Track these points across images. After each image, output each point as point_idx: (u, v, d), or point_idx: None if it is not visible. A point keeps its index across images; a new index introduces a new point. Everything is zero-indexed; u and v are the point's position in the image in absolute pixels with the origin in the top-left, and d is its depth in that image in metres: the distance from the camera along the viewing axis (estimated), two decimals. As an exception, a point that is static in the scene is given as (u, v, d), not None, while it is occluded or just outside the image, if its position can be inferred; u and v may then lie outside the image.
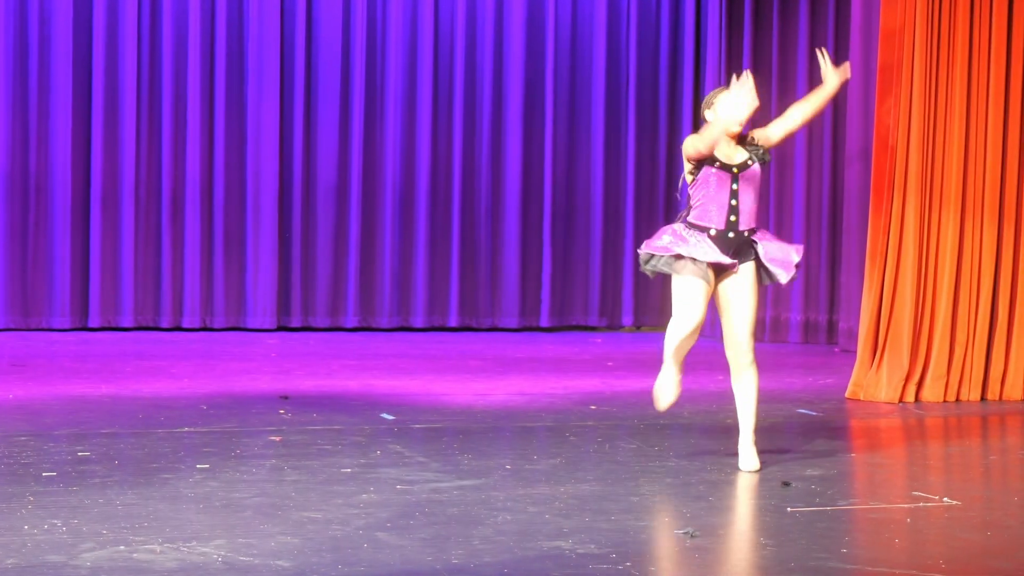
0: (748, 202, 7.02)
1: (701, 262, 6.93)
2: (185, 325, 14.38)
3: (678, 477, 6.87)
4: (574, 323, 15.37)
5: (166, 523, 5.70)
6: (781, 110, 14.35)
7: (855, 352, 10.26)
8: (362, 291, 14.80)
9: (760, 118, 14.54)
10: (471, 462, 7.20)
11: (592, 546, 5.42)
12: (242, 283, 14.56)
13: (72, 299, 14.17)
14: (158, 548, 5.31)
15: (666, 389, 7.12)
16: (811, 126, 14.00)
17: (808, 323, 14.22)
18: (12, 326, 13.99)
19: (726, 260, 6.94)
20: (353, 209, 14.77)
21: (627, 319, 15.44)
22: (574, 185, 15.36)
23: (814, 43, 14.00)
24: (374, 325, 14.81)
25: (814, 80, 13.95)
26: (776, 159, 14.34)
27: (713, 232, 6.97)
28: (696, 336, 7.10)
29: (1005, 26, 9.99)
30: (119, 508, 5.96)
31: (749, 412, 7.17)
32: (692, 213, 7.04)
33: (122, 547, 5.32)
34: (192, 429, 8.13)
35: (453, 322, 14.96)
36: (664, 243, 7.01)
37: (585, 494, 6.41)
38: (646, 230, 15.42)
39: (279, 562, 5.14)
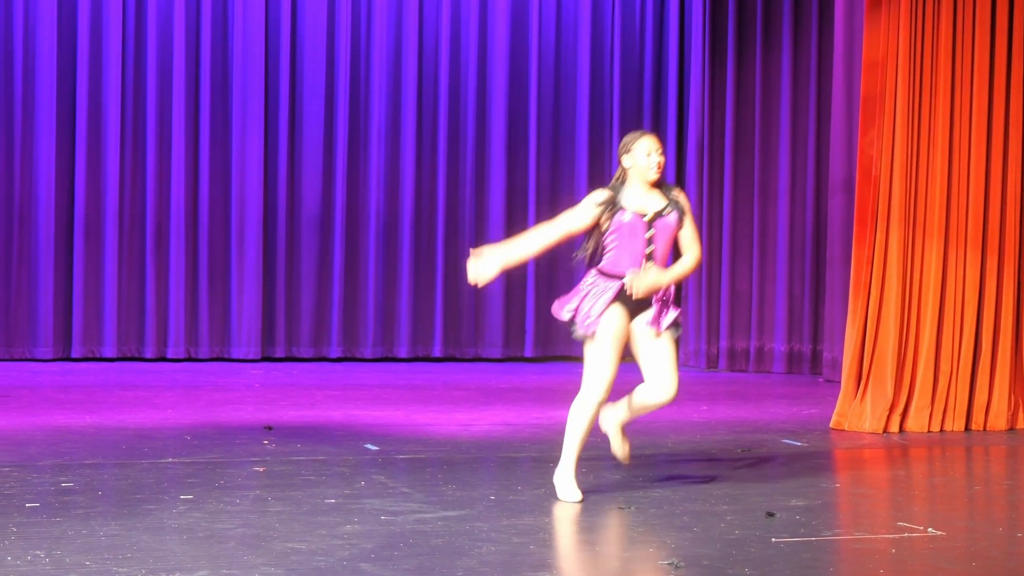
0: (662, 247, 7.01)
1: (610, 315, 6.92)
2: (169, 355, 14.36)
3: (663, 507, 6.86)
4: (558, 353, 15.36)
5: (149, 554, 5.67)
6: (764, 139, 14.46)
7: (839, 382, 10.27)
8: (346, 321, 14.79)
9: (744, 143, 14.62)
10: (455, 493, 7.19)
11: (577, 577, 5.41)
12: (226, 313, 14.54)
13: (55, 329, 14.15)
14: (141, 579, 5.29)
15: (569, 489, 7.02)
16: (795, 157, 14.06)
17: (792, 353, 14.24)
18: (-6, 356, 13.97)
19: (594, 328, 6.94)
20: (337, 239, 14.77)
21: (611, 349, 15.41)
22: (558, 215, 15.34)
23: (797, 74, 14.06)
24: (358, 355, 14.79)
25: (797, 111, 14.08)
26: (760, 190, 14.39)
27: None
28: (602, 408, 7.10)
29: (987, 57, 10.04)
30: (102, 539, 5.93)
31: (635, 409, 7.20)
32: (606, 260, 7.06)
33: (105, 578, 5.29)
34: (176, 460, 8.10)
35: (437, 352, 14.96)
36: (569, 309, 7.05)
37: (569, 525, 6.39)
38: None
39: (263, 593, 5.12)
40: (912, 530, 6.43)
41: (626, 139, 7.13)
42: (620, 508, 6.81)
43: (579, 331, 7.00)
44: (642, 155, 7.03)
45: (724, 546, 6.02)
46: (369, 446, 8.72)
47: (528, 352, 15.19)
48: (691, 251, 7.10)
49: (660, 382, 7.08)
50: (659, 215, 7.01)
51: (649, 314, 7.03)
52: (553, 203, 15.34)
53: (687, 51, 15.39)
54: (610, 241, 7.03)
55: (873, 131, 9.97)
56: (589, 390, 7.00)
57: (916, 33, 9.91)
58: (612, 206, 7.01)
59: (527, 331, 15.20)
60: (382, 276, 14.89)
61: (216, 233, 14.54)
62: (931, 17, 9.93)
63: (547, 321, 15.28)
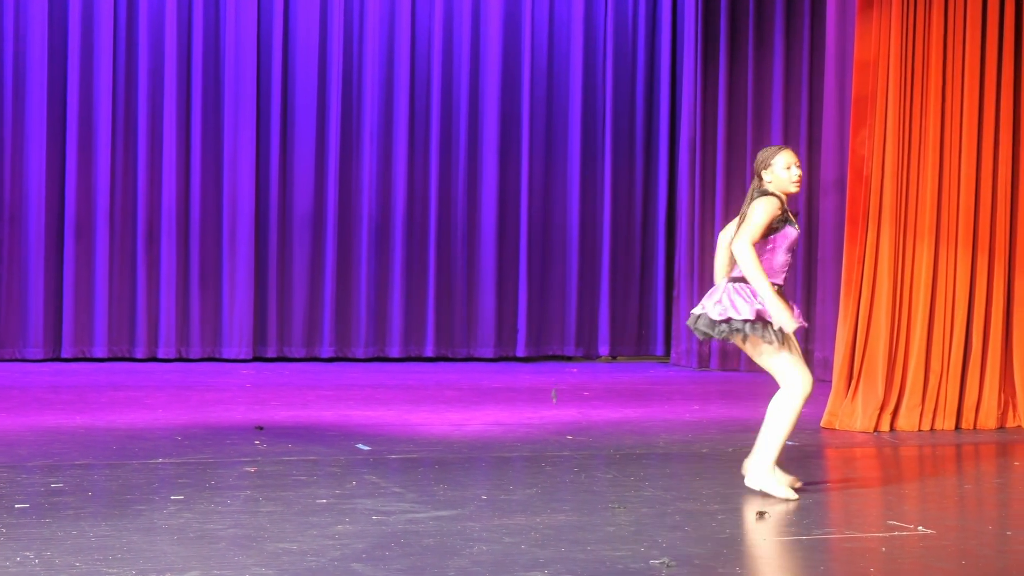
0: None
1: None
2: (160, 355, 14.35)
3: (654, 507, 6.87)
4: (550, 353, 15.38)
5: (140, 555, 5.67)
6: (756, 139, 14.47)
7: (830, 381, 10.28)
8: (338, 321, 14.78)
9: (736, 142, 14.63)
10: (447, 492, 7.19)
11: (568, 576, 5.42)
12: (218, 313, 14.53)
13: (46, 329, 14.13)
14: (132, 580, 5.29)
15: (784, 487, 7.15)
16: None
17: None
18: (-14, 357, 13.96)
19: (801, 323, 7.05)
20: (329, 239, 14.77)
21: (603, 349, 15.45)
22: (550, 215, 15.38)
23: (789, 74, 14.06)
24: (350, 355, 14.79)
25: (789, 112, 14.08)
26: (749, 185, 14.38)
27: (776, 289, 7.08)
28: None
29: (978, 57, 10.05)
30: (92, 540, 5.93)
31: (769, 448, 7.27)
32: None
33: (96, 579, 5.29)
34: (166, 460, 8.10)
35: (429, 352, 14.95)
36: (752, 310, 7.02)
37: (561, 524, 6.40)
38: (622, 260, 15.47)
39: (254, 593, 5.12)
40: (902, 529, 6.44)
41: (764, 154, 7.21)
42: (612, 507, 6.82)
43: (789, 324, 6.97)
44: (782, 168, 7.12)
45: (715, 545, 6.03)
46: (361, 446, 8.72)
47: (520, 352, 15.20)
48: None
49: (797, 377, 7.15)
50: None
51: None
52: (545, 204, 15.37)
53: (679, 51, 15.41)
54: (765, 250, 7.08)
55: (864, 131, 9.98)
56: (793, 385, 7.06)
57: (907, 33, 9.93)
58: (783, 216, 7.07)
59: (519, 331, 15.20)
60: (374, 276, 14.89)
61: (208, 233, 14.52)
62: (922, 18, 9.95)
63: (539, 321, 15.29)
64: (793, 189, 7.13)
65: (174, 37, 14.36)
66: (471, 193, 15.14)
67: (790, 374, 7.09)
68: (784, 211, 7.10)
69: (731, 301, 7.05)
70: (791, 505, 6.95)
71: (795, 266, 14.06)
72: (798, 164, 7.18)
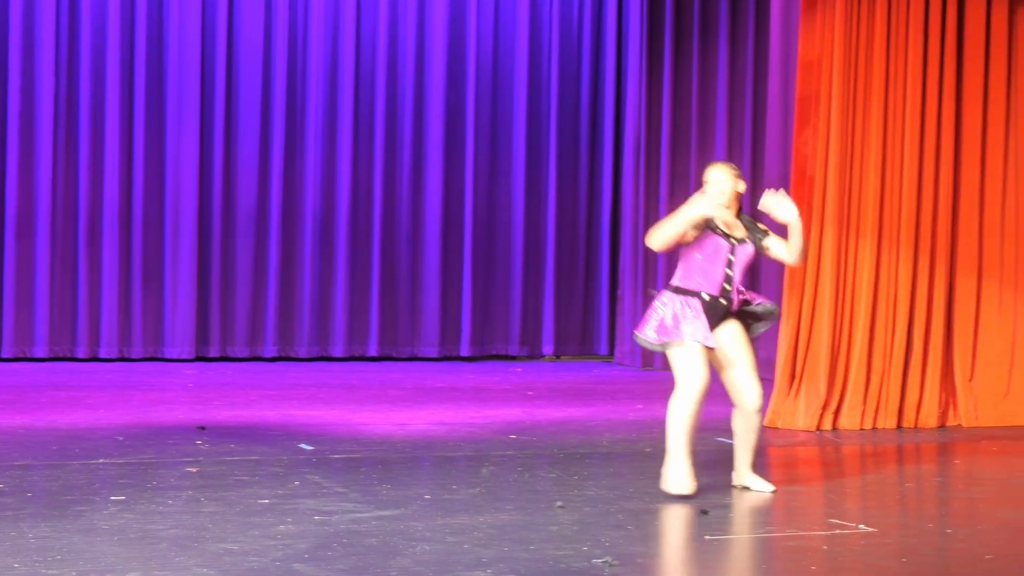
0: (739, 274, 7.21)
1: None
2: (102, 355, 14.25)
3: (597, 506, 6.87)
4: (494, 352, 15.36)
5: (80, 556, 5.63)
6: (700, 138, 14.51)
7: (773, 380, 10.33)
8: (281, 321, 14.72)
9: (681, 142, 14.65)
10: (390, 492, 7.17)
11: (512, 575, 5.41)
12: (160, 312, 14.45)
13: (-14, 329, 14.01)
14: (71, 581, 5.25)
15: (678, 481, 7.13)
16: (731, 157, 14.11)
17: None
18: (-75, 356, 13.83)
19: (712, 344, 7.10)
20: (273, 238, 14.70)
21: (548, 348, 15.45)
22: (495, 215, 15.37)
23: (734, 74, 14.10)
24: (293, 355, 14.73)
25: (734, 112, 14.12)
26: (696, 189, 14.38)
27: (706, 297, 7.13)
28: (702, 406, 7.16)
29: (920, 58, 10.12)
30: (32, 541, 5.88)
31: (748, 449, 7.39)
32: (683, 277, 7.18)
33: (35, 580, 5.25)
34: (107, 460, 8.04)
35: (373, 351, 14.92)
36: (667, 324, 7.11)
37: (504, 524, 6.40)
38: (566, 259, 15.48)
39: (194, 594, 5.09)
40: (844, 527, 6.47)
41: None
42: (557, 506, 6.82)
43: (667, 340, 7.10)
44: (708, 183, 7.22)
45: (658, 544, 6.03)
46: (304, 446, 8.69)
47: (464, 351, 15.18)
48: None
49: (745, 389, 7.27)
50: (742, 241, 7.20)
51: (735, 324, 7.24)
52: (490, 203, 15.35)
53: (624, 50, 15.43)
54: (691, 256, 7.08)
55: (808, 131, 10.03)
56: (685, 390, 7.15)
57: (851, 34, 9.98)
58: (708, 222, 7.12)
59: (463, 330, 15.18)
60: (318, 275, 14.83)
61: (150, 232, 14.43)
62: (866, 19, 10.00)
63: (483, 320, 15.27)
64: (719, 201, 7.17)
65: (117, 35, 14.25)
66: (415, 192, 15.11)
67: (678, 374, 7.15)
68: (709, 222, 7.12)
69: (659, 318, 7.18)
70: (732, 503, 6.97)
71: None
72: (717, 180, 7.21)
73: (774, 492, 7.28)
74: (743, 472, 7.41)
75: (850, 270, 9.99)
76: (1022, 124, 10.42)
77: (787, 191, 11.03)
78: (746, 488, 7.36)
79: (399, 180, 15.07)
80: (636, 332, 7.28)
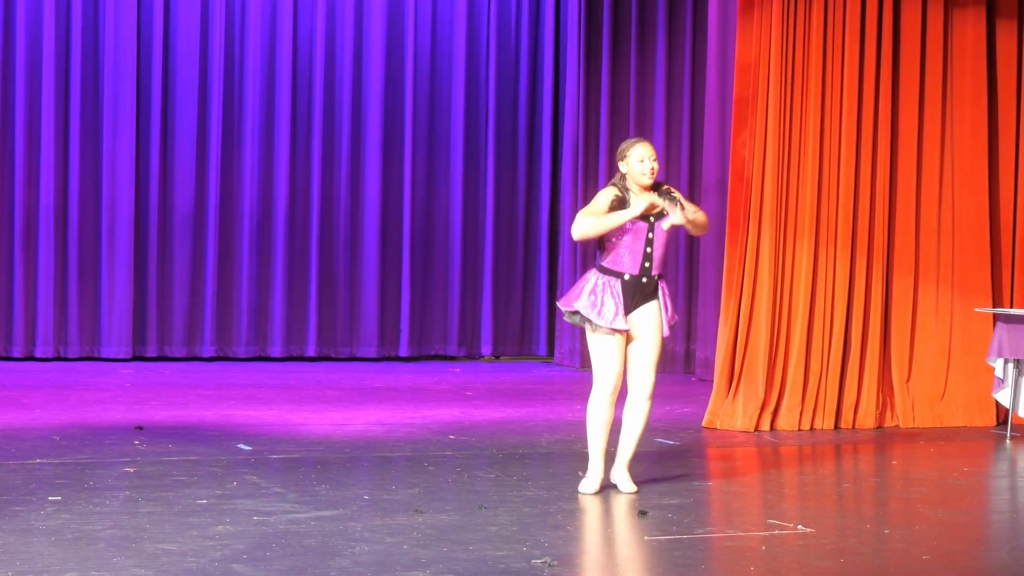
0: (659, 248, 7.22)
1: (617, 313, 7.10)
2: (38, 355, 14.15)
3: (536, 506, 6.88)
4: (433, 353, 15.36)
5: (16, 556, 5.58)
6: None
7: (712, 381, 10.36)
8: (219, 320, 14.66)
9: (619, 143, 14.67)
10: (329, 492, 7.15)
11: (450, 576, 5.41)
12: (97, 312, 14.35)
13: (-80, 329, 13.88)
14: (7, 582, 5.20)
15: (588, 482, 7.25)
16: (668, 158, 14.15)
17: (666, 353, 14.33)
18: None
19: (623, 326, 7.12)
20: (210, 238, 14.64)
21: (486, 349, 15.46)
22: (433, 215, 15.36)
23: (671, 75, 14.15)
24: (231, 355, 14.67)
25: (671, 113, 14.17)
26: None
27: (627, 277, 7.17)
28: (615, 399, 7.22)
29: (857, 60, 10.18)
30: (-33, 542, 5.83)
31: (631, 441, 7.35)
32: (606, 258, 7.20)
33: (-30, 582, 5.20)
34: (44, 460, 7.98)
35: (311, 352, 14.88)
36: (583, 303, 7.15)
37: (443, 524, 6.39)
38: (505, 260, 15.49)
39: (132, 595, 5.06)
40: (782, 527, 6.50)
41: (622, 146, 7.35)
42: (480, 508, 6.81)
43: (600, 324, 7.11)
44: (636, 161, 7.22)
45: (597, 544, 6.04)
46: (242, 446, 8.65)
47: (403, 352, 15.16)
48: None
49: (638, 378, 7.28)
50: (660, 215, 7.18)
51: (654, 312, 7.22)
52: (428, 203, 15.34)
53: (562, 51, 15.45)
54: (615, 239, 7.13)
55: (745, 132, 10.07)
56: (600, 383, 7.21)
57: (788, 36, 10.03)
58: (622, 206, 7.13)
59: (402, 331, 15.17)
60: (255, 275, 14.78)
61: (86, 232, 14.34)
62: (802, 20, 10.06)
63: (422, 321, 15.26)
64: (645, 181, 7.22)
65: (52, 35, 14.15)
66: (354, 192, 15.08)
67: (594, 368, 7.23)
68: (623, 201, 7.15)
69: (578, 291, 7.21)
70: (672, 504, 7.00)
71: (675, 266, 14.15)
72: (653, 157, 7.27)
73: (636, 494, 7.22)
74: (618, 467, 7.37)
75: (787, 271, 10.04)
76: (958, 125, 10.50)
77: (725, 193, 11.12)
78: (614, 485, 7.35)
79: (337, 181, 15.04)
80: (559, 303, 7.34)
